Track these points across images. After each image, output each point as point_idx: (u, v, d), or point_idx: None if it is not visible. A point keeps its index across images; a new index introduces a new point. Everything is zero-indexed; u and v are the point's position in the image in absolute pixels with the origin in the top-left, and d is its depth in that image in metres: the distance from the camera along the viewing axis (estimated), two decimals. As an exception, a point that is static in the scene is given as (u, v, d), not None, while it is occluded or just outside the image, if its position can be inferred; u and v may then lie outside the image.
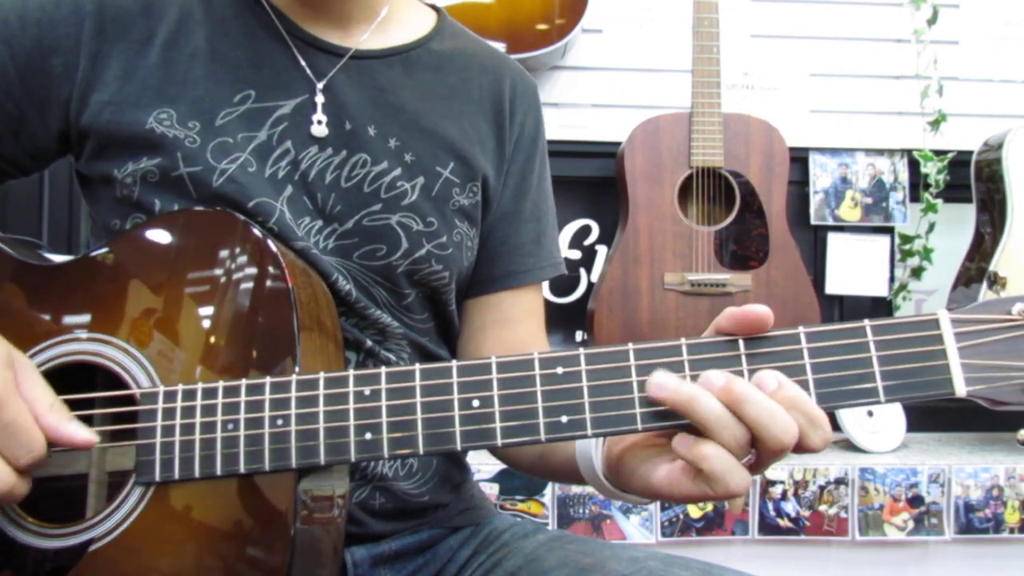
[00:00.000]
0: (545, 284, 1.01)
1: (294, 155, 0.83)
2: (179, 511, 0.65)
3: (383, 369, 0.63)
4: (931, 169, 2.01)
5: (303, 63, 0.85)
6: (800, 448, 0.58)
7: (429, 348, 0.91)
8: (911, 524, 1.74)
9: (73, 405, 0.65)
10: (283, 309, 0.67)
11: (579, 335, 2.10)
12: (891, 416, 1.89)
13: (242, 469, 0.63)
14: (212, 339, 0.68)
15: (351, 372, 0.63)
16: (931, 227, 2.04)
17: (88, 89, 0.80)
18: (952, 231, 2.06)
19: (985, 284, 1.79)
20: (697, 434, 0.59)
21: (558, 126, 2.05)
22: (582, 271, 2.13)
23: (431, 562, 0.91)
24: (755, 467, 0.60)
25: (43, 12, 0.80)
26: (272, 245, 0.70)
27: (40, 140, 0.83)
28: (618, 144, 1.91)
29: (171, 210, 0.79)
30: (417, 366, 0.63)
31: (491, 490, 1.67)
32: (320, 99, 0.84)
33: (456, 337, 0.97)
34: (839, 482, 1.73)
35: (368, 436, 0.62)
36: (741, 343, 0.60)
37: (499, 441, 0.60)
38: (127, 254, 0.73)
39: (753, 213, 1.84)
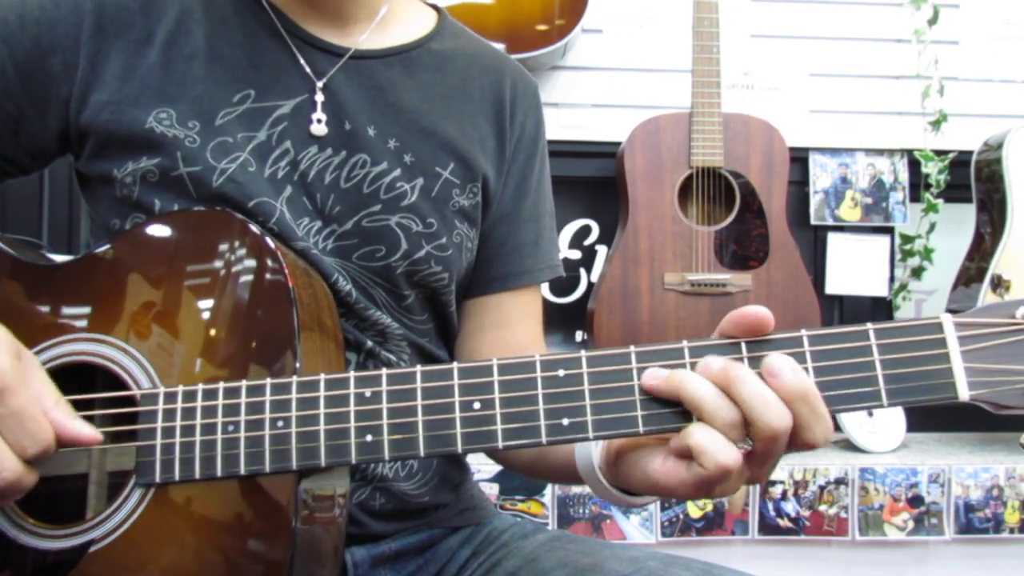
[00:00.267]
0: (544, 284, 1.01)
1: (294, 155, 0.83)
2: (179, 512, 0.65)
3: (384, 371, 0.63)
4: (932, 169, 2.01)
5: (303, 62, 0.85)
6: (799, 441, 0.58)
7: (429, 349, 0.91)
8: (911, 524, 1.74)
9: (74, 406, 0.65)
10: (283, 307, 0.67)
11: (579, 335, 2.10)
12: (891, 416, 1.89)
13: (242, 470, 0.63)
14: (212, 338, 0.68)
15: (352, 374, 0.63)
16: (932, 227, 2.04)
17: (87, 89, 0.80)
18: (952, 231, 2.06)
19: (988, 286, 1.79)
20: None
21: (558, 126, 2.05)
22: (582, 271, 2.12)
23: (431, 562, 0.91)
24: (753, 464, 0.60)
25: (42, 11, 0.80)
26: (271, 243, 0.70)
27: (39, 139, 0.83)
28: (618, 144, 1.91)
29: (171, 210, 0.79)
30: (418, 368, 0.62)
31: (491, 490, 1.67)
32: (320, 98, 0.84)
33: (455, 338, 0.97)
34: (839, 482, 1.73)
35: (369, 438, 0.61)
36: (743, 346, 0.60)
37: (500, 443, 0.60)
38: (127, 254, 0.73)
39: (753, 213, 1.83)
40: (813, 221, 2.10)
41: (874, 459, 1.79)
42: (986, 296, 1.81)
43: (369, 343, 0.85)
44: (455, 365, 0.62)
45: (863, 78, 2.12)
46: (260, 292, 0.69)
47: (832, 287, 2.10)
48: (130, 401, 0.67)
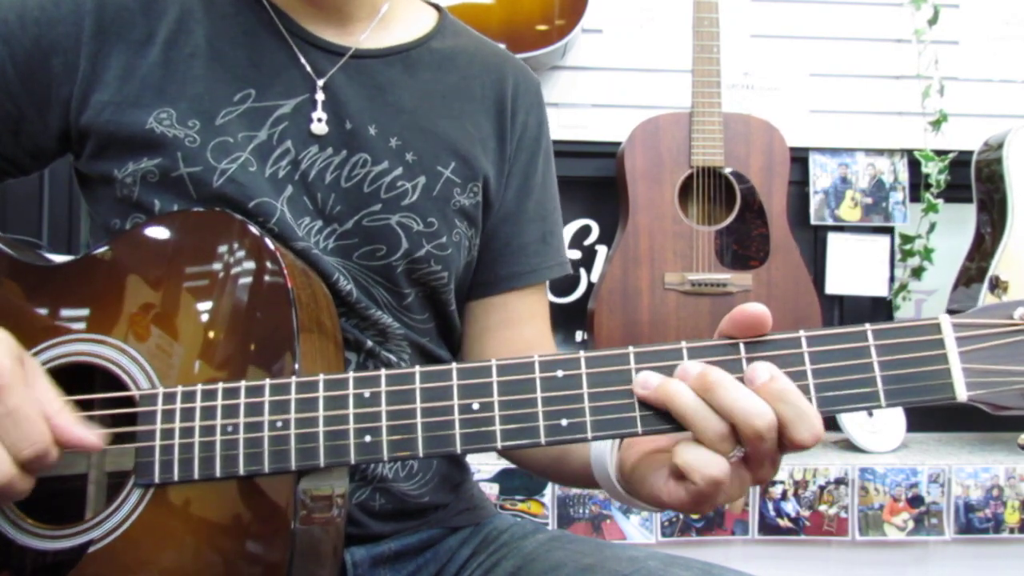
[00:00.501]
0: (547, 282, 1.01)
1: (294, 155, 0.83)
2: (178, 513, 0.65)
3: (383, 371, 0.63)
4: (932, 169, 2.01)
5: (303, 61, 0.85)
6: (789, 442, 0.58)
7: (429, 348, 0.91)
8: (911, 524, 1.74)
9: (73, 405, 0.65)
10: (282, 308, 0.67)
11: (579, 335, 2.10)
12: (891, 416, 1.89)
13: (241, 471, 0.63)
14: (211, 338, 0.68)
15: (351, 374, 0.63)
16: (932, 227, 2.04)
17: (88, 89, 0.80)
18: (952, 231, 2.06)
19: (987, 288, 1.79)
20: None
21: (558, 126, 2.05)
22: (582, 271, 2.12)
23: (431, 562, 0.91)
24: (750, 467, 0.60)
25: (43, 11, 0.80)
26: (270, 243, 0.70)
27: (40, 139, 0.83)
28: (618, 144, 1.91)
29: (170, 210, 0.79)
30: (417, 368, 0.62)
31: (491, 490, 1.67)
32: (320, 97, 0.84)
33: (457, 338, 0.97)
34: (839, 482, 1.73)
35: (368, 439, 0.61)
36: (742, 346, 0.60)
37: (499, 444, 0.60)
38: (126, 255, 0.73)
39: (754, 213, 1.83)
40: (813, 221, 2.10)
41: (874, 459, 1.79)
42: (985, 297, 1.81)
43: (369, 343, 0.85)
44: (454, 366, 0.62)
45: (863, 78, 2.12)
46: (259, 293, 0.69)
47: (832, 287, 2.10)
48: (129, 402, 0.67)
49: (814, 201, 2.09)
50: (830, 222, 2.10)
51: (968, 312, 0.58)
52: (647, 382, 0.59)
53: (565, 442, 0.60)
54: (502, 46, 1.02)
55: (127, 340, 0.69)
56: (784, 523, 1.73)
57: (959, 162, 2.01)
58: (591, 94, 2.08)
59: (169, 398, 0.65)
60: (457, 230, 0.89)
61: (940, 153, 2.02)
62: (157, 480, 0.64)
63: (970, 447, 1.93)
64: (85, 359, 0.70)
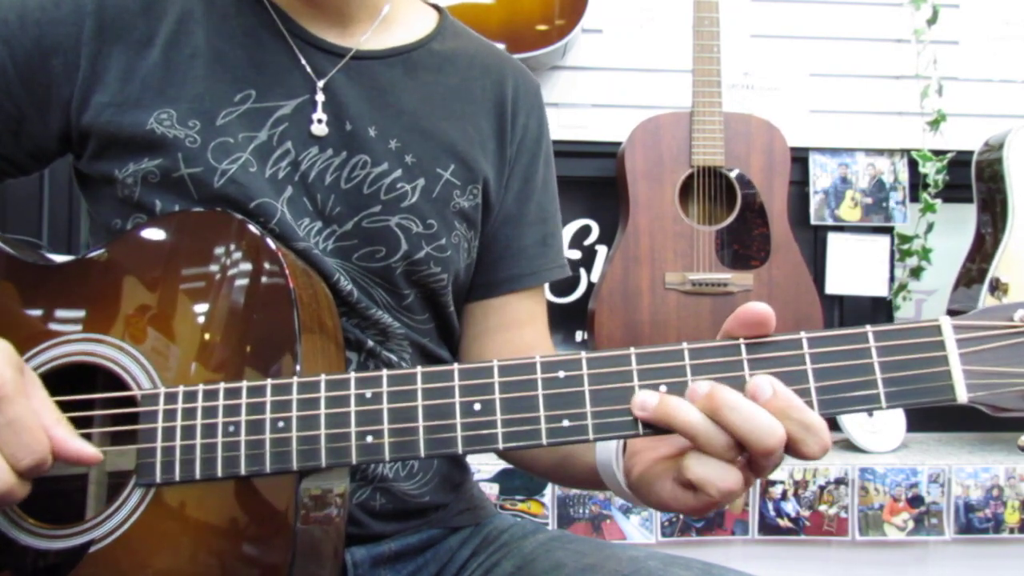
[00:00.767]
0: (545, 284, 1.01)
1: (294, 156, 0.83)
2: (179, 513, 0.65)
3: (384, 372, 0.62)
4: (930, 169, 2.01)
5: (304, 63, 0.85)
6: (797, 455, 0.58)
7: (430, 348, 0.91)
8: (911, 524, 1.74)
9: (74, 406, 0.65)
10: (284, 308, 0.67)
11: (579, 335, 2.10)
12: (891, 416, 1.89)
13: (243, 471, 0.63)
14: (211, 338, 0.68)
15: (352, 374, 0.63)
16: (929, 227, 2.04)
17: (89, 90, 0.80)
18: (952, 231, 2.06)
19: (987, 289, 1.79)
20: None
21: (558, 126, 2.05)
22: (582, 271, 2.12)
23: (431, 562, 0.91)
24: (751, 468, 0.60)
25: (43, 12, 0.80)
26: (271, 244, 0.70)
27: (40, 140, 0.83)
28: (618, 144, 1.91)
29: (171, 211, 0.79)
30: (418, 369, 0.62)
31: (491, 490, 1.67)
32: (320, 98, 0.84)
33: (457, 339, 0.97)
34: (839, 482, 1.74)
35: (369, 439, 0.61)
36: (743, 348, 0.60)
37: (500, 445, 0.60)
38: (127, 255, 0.73)
39: (754, 212, 1.83)
40: (813, 221, 2.09)
41: (874, 459, 1.79)
42: (985, 299, 1.81)
43: (370, 343, 0.85)
44: (455, 366, 0.62)
45: (863, 78, 2.12)
46: (261, 293, 0.69)
47: (832, 287, 2.10)
48: (130, 401, 0.67)
49: (814, 201, 2.09)
50: (830, 222, 2.10)
51: (968, 314, 0.58)
52: (644, 403, 0.59)
53: (566, 443, 0.60)
54: (502, 48, 1.02)
55: (128, 340, 0.69)
56: (784, 523, 1.73)
57: (958, 162, 2.01)
58: (591, 94, 2.08)
59: (171, 398, 0.65)
60: (456, 232, 0.89)
61: (939, 153, 2.02)
62: (159, 480, 0.64)
63: (970, 447, 1.93)
64: (87, 359, 0.70)
